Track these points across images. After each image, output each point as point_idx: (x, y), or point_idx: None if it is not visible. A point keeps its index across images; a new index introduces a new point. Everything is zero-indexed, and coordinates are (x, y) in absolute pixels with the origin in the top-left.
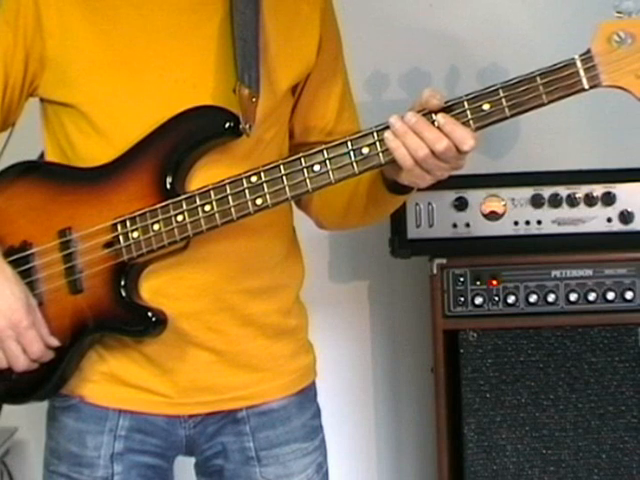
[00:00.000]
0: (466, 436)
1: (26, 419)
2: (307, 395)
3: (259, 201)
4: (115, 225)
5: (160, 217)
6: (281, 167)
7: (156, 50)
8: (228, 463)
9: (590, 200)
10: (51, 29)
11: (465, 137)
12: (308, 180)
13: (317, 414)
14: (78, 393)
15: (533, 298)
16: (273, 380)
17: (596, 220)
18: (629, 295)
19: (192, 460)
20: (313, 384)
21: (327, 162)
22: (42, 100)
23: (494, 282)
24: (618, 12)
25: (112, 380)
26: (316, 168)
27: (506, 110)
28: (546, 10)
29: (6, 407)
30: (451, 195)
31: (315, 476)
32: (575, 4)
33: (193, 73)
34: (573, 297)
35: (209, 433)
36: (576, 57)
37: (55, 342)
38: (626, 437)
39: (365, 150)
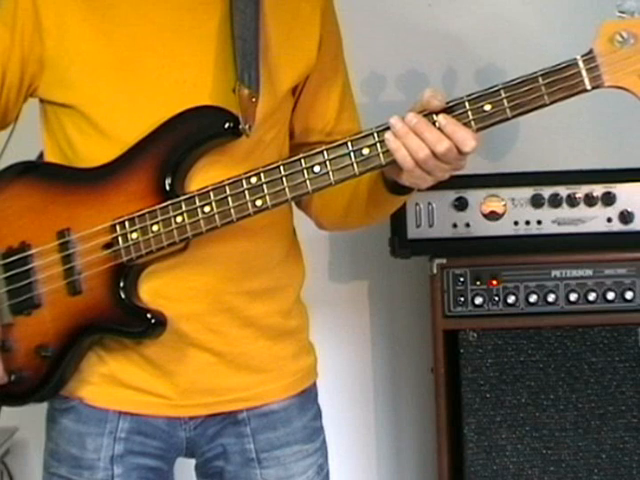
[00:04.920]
0: (466, 436)
1: (26, 419)
2: (308, 396)
3: (259, 202)
4: (114, 226)
5: (159, 218)
6: (281, 168)
7: (156, 50)
8: (228, 465)
9: (590, 200)
10: (50, 30)
11: (466, 138)
12: (308, 181)
13: (318, 415)
14: (78, 395)
15: (533, 298)
16: (274, 381)
17: (596, 220)
18: (629, 295)
19: (192, 462)
20: (314, 385)
21: (327, 163)
22: (42, 101)
23: (494, 282)
24: (620, 12)
25: (112, 382)
26: (316, 169)
27: (508, 111)
28: (546, 10)
29: (6, 407)
30: (451, 195)
31: (316, 477)
32: (576, 4)
33: (193, 73)
34: (573, 297)
35: (209, 435)
36: (578, 57)
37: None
38: (626, 437)
39: (366, 151)
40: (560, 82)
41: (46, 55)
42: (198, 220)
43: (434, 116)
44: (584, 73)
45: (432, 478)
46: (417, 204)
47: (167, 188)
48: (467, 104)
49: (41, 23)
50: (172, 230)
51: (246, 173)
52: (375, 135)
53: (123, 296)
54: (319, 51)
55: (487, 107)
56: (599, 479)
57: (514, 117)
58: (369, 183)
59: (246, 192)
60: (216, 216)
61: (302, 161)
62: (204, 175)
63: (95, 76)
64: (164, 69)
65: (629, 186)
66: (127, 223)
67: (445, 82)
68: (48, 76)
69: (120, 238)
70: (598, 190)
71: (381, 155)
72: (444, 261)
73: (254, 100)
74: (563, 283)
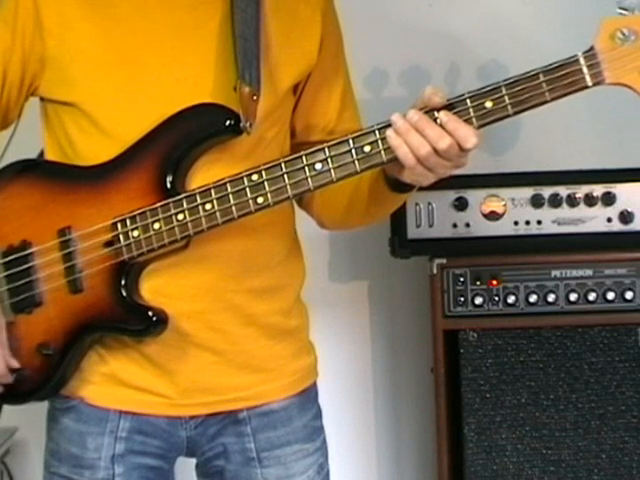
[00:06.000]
0: (466, 436)
1: (26, 419)
2: (308, 396)
3: (260, 200)
4: (115, 224)
5: (160, 216)
6: (282, 165)
7: (157, 48)
8: (229, 464)
9: (590, 200)
10: (51, 28)
11: (468, 135)
12: (309, 178)
13: (318, 415)
14: (78, 394)
15: (533, 298)
16: (274, 381)
17: (596, 220)
18: (629, 295)
19: (193, 461)
20: (314, 385)
21: (328, 160)
22: (42, 99)
23: (494, 282)
24: (621, 8)
25: (112, 381)
26: (317, 166)
27: (509, 108)
28: (547, 6)
29: (6, 407)
30: (451, 195)
31: (316, 477)
32: (576, 3)
33: (194, 71)
34: (573, 297)
35: (210, 434)
36: (579, 54)
37: (15, 364)
38: (626, 437)
39: (367, 148)
40: (561, 79)
41: (47, 54)
42: (199, 218)
43: (435, 113)
44: (585, 70)
45: (432, 478)
46: (417, 204)
47: (168, 186)
48: (468, 101)
49: (42, 22)
50: (173, 228)
51: (247, 171)
52: (376, 132)
53: (124, 294)
54: (320, 52)
55: (488, 104)
56: (599, 479)
57: (515, 114)
58: (370, 181)
59: (247, 189)
60: (217, 214)
61: (303, 158)
62: (205, 173)
63: (96, 74)
64: (165, 68)
65: (629, 186)
66: (128, 221)
67: (447, 78)
68: (49, 75)
69: (121, 236)
70: (598, 190)
71: (382, 152)
72: (444, 261)
73: (255, 98)
74: (563, 283)
